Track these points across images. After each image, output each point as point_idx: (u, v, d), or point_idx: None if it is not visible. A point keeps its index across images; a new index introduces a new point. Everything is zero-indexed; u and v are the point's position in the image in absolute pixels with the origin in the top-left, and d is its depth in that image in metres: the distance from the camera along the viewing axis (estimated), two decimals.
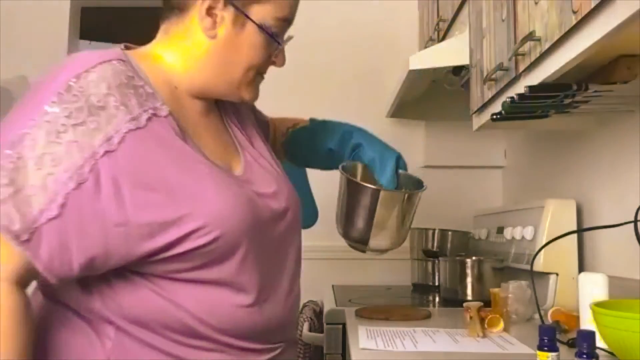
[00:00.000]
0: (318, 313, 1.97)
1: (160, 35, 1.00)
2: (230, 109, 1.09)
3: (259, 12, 0.95)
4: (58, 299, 0.90)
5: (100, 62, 0.85)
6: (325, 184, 2.40)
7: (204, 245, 0.86)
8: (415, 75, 1.89)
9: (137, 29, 3.60)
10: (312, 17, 2.71)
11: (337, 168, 1.22)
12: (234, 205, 0.89)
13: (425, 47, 2.28)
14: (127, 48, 0.98)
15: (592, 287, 1.12)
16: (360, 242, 1.18)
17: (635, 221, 1.07)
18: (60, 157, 0.79)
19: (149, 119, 0.86)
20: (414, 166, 2.65)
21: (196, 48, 0.96)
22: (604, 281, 1.13)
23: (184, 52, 0.97)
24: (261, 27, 0.95)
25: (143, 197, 0.83)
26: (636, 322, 0.87)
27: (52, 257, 0.79)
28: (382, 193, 1.15)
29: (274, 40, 0.97)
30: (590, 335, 0.84)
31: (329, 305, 1.70)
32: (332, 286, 2.09)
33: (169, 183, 0.85)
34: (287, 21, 0.99)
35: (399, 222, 1.16)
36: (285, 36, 1.02)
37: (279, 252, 1.01)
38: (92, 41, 3.27)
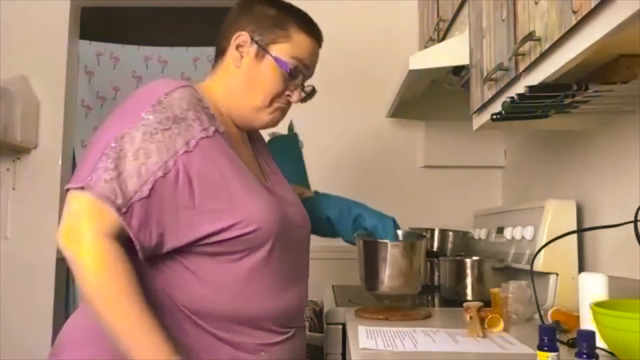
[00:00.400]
0: (318, 313, 1.97)
1: (210, 75, 1.27)
2: (260, 145, 1.35)
3: (277, 50, 1.20)
4: None
5: (180, 86, 1.11)
6: (325, 185, 2.41)
7: (243, 235, 1.08)
8: (415, 75, 1.89)
9: (137, 29, 3.61)
10: (312, 18, 2.71)
11: (332, 236, 1.50)
12: (268, 209, 1.13)
13: (425, 47, 2.28)
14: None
15: (592, 287, 1.12)
16: (380, 289, 1.44)
17: (635, 221, 1.07)
18: (151, 152, 1.03)
19: (214, 132, 1.11)
20: (414, 166, 2.66)
21: (229, 78, 1.22)
22: (604, 281, 1.13)
23: (223, 84, 1.23)
24: (276, 60, 1.19)
25: (208, 189, 1.07)
26: (636, 322, 0.87)
27: (139, 227, 1.02)
28: (390, 244, 1.43)
29: (285, 70, 1.19)
30: (590, 335, 0.84)
31: (329, 305, 1.70)
32: (332, 286, 2.09)
33: (227, 183, 1.09)
34: (301, 62, 1.22)
35: (408, 267, 1.43)
36: (307, 84, 1.26)
37: (296, 253, 1.23)
38: (92, 41, 3.27)
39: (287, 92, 1.23)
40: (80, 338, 1.11)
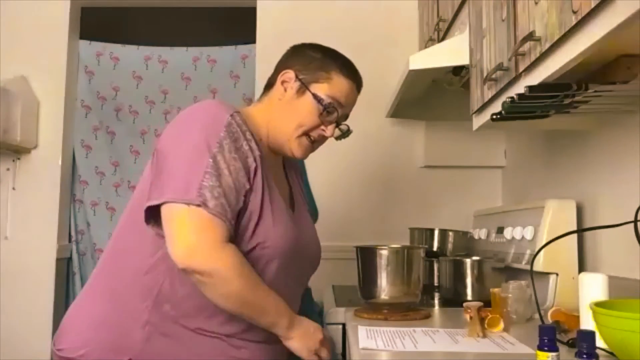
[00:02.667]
0: (318, 313, 1.97)
1: (256, 103, 1.42)
2: (293, 173, 1.48)
3: (317, 88, 1.33)
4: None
5: (235, 111, 1.25)
6: (325, 185, 2.40)
7: (259, 247, 1.23)
8: (415, 75, 1.89)
9: (137, 29, 3.60)
10: (312, 18, 2.72)
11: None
12: (287, 235, 1.26)
13: (425, 47, 2.28)
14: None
15: (592, 287, 1.12)
16: (377, 297, 1.47)
17: (635, 221, 1.07)
18: (238, 168, 1.19)
19: (258, 156, 1.24)
20: (414, 166, 2.66)
21: (271, 108, 1.35)
22: (604, 281, 1.12)
23: (265, 113, 1.35)
24: (314, 95, 1.31)
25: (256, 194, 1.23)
26: (636, 322, 0.87)
27: (239, 232, 1.21)
28: (388, 252, 1.48)
29: (320, 105, 1.31)
30: (590, 335, 0.84)
31: (329, 305, 1.70)
32: (332, 286, 2.09)
33: (265, 202, 1.24)
34: (337, 101, 1.33)
35: (405, 275, 1.47)
36: (343, 124, 1.39)
37: (299, 276, 1.36)
38: (92, 41, 3.26)
39: (322, 127, 1.34)
40: (80, 325, 1.25)
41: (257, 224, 1.21)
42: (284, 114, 1.34)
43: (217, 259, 1.14)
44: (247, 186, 1.20)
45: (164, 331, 1.20)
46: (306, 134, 1.33)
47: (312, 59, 1.35)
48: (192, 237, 1.14)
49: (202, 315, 1.21)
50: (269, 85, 1.39)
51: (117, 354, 1.19)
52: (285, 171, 1.46)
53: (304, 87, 1.32)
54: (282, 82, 1.35)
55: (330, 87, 1.33)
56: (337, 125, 1.37)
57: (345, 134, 1.41)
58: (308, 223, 1.44)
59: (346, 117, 1.39)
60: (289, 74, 1.34)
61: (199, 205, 1.13)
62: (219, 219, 1.14)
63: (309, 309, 1.45)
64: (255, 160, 1.22)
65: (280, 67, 1.37)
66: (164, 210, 1.16)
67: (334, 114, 1.34)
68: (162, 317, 1.20)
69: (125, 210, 1.32)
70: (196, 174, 1.14)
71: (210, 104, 1.29)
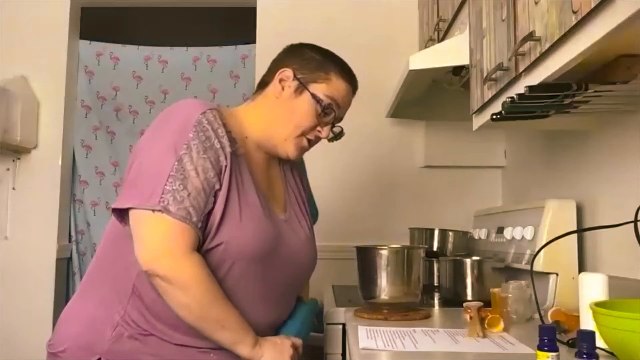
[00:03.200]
0: (318, 313, 1.96)
1: (250, 101, 1.38)
2: (290, 173, 1.46)
3: (315, 88, 1.31)
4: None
5: (208, 109, 1.21)
6: (325, 185, 2.40)
7: (223, 247, 1.19)
8: (415, 75, 1.89)
9: (137, 29, 3.60)
10: (312, 18, 2.71)
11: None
12: (258, 236, 1.22)
13: (425, 47, 2.28)
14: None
15: (592, 287, 1.12)
16: (377, 297, 1.47)
17: (635, 221, 1.07)
18: (207, 168, 1.16)
19: (230, 154, 1.21)
20: (414, 166, 2.66)
21: (267, 107, 1.33)
22: (604, 281, 1.12)
23: (259, 111, 1.34)
24: (313, 96, 1.30)
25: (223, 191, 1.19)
26: (636, 322, 0.87)
27: (206, 235, 1.18)
28: (387, 251, 1.48)
29: (319, 106, 1.29)
30: (590, 335, 0.84)
31: (329, 305, 1.70)
32: (332, 286, 2.09)
33: (231, 201, 1.20)
34: (335, 102, 1.32)
35: (405, 275, 1.47)
36: (337, 126, 1.37)
37: (279, 283, 1.30)
38: (92, 41, 3.26)
39: (318, 128, 1.33)
40: (67, 322, 1.28)
41: (220, 223, 1.18)
42: (282, 114, 1.32)
43: (179, 266, 1.13)
44: (217, 186, 1.17)
45: (131, 333, 1.20)
46: (303, 134, 1.32)
47: (310, 58, 1.34)
48: (157, 243, 1.14)
49: (169, 321, 1.19)
50: (264, 83, 1.37)
51: (90, 353, 1.21)
52: (283, 172, 1.44)
53: (302, 87, 1.31)
54: (280, 81, 1.32)
55: (329, 87, 1.32)
56: (332, 126, 1.36)
57: (338, 135, 1.40)
58: (301, 227, 1.39)
59: (340, 119, 1.38)
60: (287, 73, 1.32)
61: (161, 211, 1.12)
62: (184, 224, 1.13)
63: (292, 326, 1.36)
64: (225, 157, 1.19)
65: (277, 65, 1.35)
66: (131, 215, 1.16)
67: (331, 115, 1.33)
68: (132, 320, 1.20)
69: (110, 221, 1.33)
70: (161, 178, 1.13)
71: (185, 104, 1.25)
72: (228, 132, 1.22)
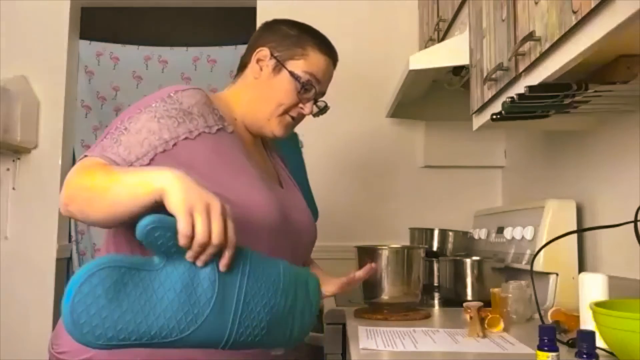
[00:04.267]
0: (318, 313, 1.96)
1: (229, 86, 1.35)
2: (275, 154, 1.44)
3: (293, 65, 1.28)
4: None
5: (191, 88, 1.18)
6: (325, 185, 2.40)
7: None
8: (415, 75, 1.89)
9: (137, 29, 3.61)
10: (312, 18, 2.71)
11: None
12: (265, 198, 1.16)
13: (425, 47, 2.28)
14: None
15: (592, 287, 1.12)
16: (379, 297, 1.47)
17: (635, 221, 1.07)
18: (154, 130, 1.09)
19: (218, 130, 1.17)
20: (414, 166, 2.66)
21: (247, 88, 1.31)
22: (604, 281, 1.12)
23: (241, 93, 1.31)
24: (291, 73, 1.27)
25: (207, 176, 1.07)
26: (636, 322, 0.87)
27: None
28: (387, 251, 1.48)
29: (298, 83, 1.27)
30: (590, 335, 0.84)
31: (329, 305, 1.70)
32: None
33: (219, 173, 1.13)
34: (314, 77, 1.29)
35: (405, 275, 1.48)
36: (320, 101, 1.34)
37: (291, 253, 1.22)
38: (92, 41, 3.27)
39: (300, 105, 1.30)
40: None
41: (224, 189, 1.07)
42: (262, 94, 1.30)
43: (68, 182, 1.00)
44: (160, 149, 1.07)
45: None
46: (286, 112, 1.30)
47: (286, 35, 1.31)
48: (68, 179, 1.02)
49: None
50: (243, 65, 1.34)
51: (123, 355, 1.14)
52: (267, 153, 1.42)
53: (279, 65, 1.28)
54: (257, 61, 1.30)
55: (307, 63, 1.29)
56: (315, 101, 1.33)
57: (323, 110, 1.37)
58: (298, 199, 1.38)
59: (323, 93, 1.35)
60: (264, 52, 1.29)
61: (83, 158, 1.04)
62: (101, 159, 1.03)
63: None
64: (213, 132, 1.14)
65: (253, 45, 1.32)
66: None
67: (312, 91, 1.30)
68: None
69: None
70: (100, 139, 1.09)
71: (175, 86, 1.20)
72: (214, 110, 1.19)
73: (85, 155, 1.06)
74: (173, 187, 0.87)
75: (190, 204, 0.86)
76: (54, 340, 1.24)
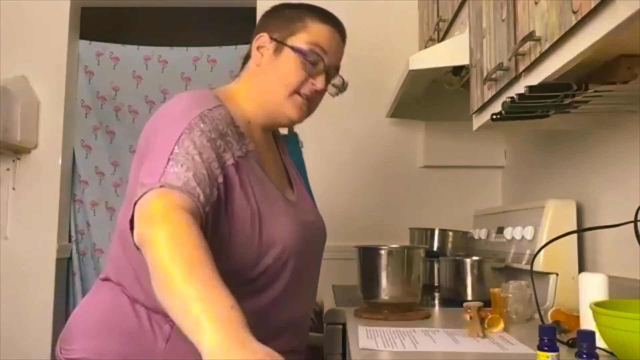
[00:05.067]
0: (318, 313, 1.97)
1: (237, 80, 1.28)
2: (283, 149, 1.38)
3: (294, 40, 1.20)
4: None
5: (219, 105, 1.12)
6: (325, 185, 2.39)
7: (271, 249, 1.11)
8: (415, 75, 1.89)
9: (137, 29, 3.60)
10: None
11: None
12: (291, 230, 1.14)
13: (425, 47, 2.28)
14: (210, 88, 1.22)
15: (592, 287, 1.12)
16: (378, 297, 1.46)
17: (635, 221, 1.07)
18: (212, 158, 1.03)
19: (246, 152, 1.12)
20: (414, 166, 2.66)
21: (252, 78, 1.24)
22: (604, 281, 1.12)
23: (247, 86, 1.24)
24: (292, 48, 1.19)
25: (241, 205, 1.08)
26: (636, 322, 0.87)
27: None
28: (387, 252, 1.47)
29: (302, 55, 1.19)
30: (590, 335, 0.84)
31: (329, 305, 1.70)
32: (332, 286, 2.09)
33: (258, 204, 1.10)
34: (319, 47, 1.21)
35: (404, 276, 1.47)
36: (338, 77, 1.28)
37: (308, 270, 1.25)
38: (92, 41, 3.26)
39: (311, 81, 1.22)
40: (90, 330, 1.13)
41: (260, 227, 1.08)
42: (267, 79, 1.22)
43: (157, 221, 0.88)
44: (220, 179, 1.03)
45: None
46: (297, 92, 1.21)
47: (282, 15, 1.24)
48: (146, 206, 0.92)
49: None
50: (246, 58, 1.28)
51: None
52: (278, 149, 1.36)
53: (280, 45, 1.20)
54: (258, 48, 1.23)
55: (308, 35, 1.21)
56: (328, 77, 1.24)
57: (342, 87, 1.29)
58: (308, 203, 1.34)
59: (337, 69, 1.28)
60: (263, 38, 1.23)
61: (162, 186, 0.94)
62: (185, 194, 0.93)
63: None
64: (243, 154, 1.10)
65: (254, 36, 1.26)
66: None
67: (320, 63, 1.21)
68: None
69: (118, 217, 1.18)
70: (163, 163, 0.98)
71: (191, 93, 1.16)
72: (237, 127, 1.13)
73: (165, 185, 0.94)
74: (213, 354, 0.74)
75: None
76: (64, 345, 1.16)
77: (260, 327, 0.92)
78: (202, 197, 0.96)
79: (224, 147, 1.07)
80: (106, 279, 1.19)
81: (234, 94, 1.23)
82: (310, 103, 1.24)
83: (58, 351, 1.17)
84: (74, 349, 1.14)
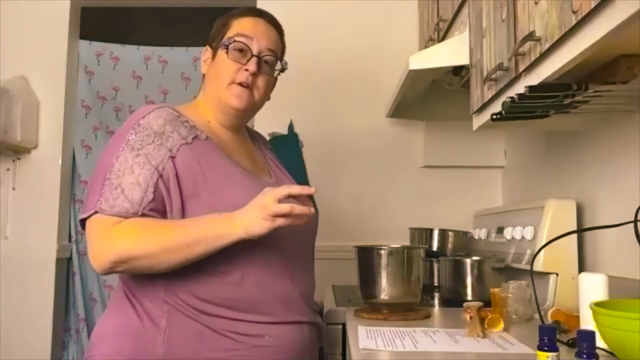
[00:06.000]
0: (318, 313, 1.96)
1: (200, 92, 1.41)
2: (264, 146, 1.51)
3: (222, 40, 1.33)
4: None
5: (156, 108, 1.26)
6: (325, 185, 2.40)
7: None
8: (415, 75, 1.89)
9: (137, 29, 3.61)
10: (311, 18, 2.71)
11: None
12: (249, 197, 1.16)
13: (425, 47, 2.28)
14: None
15: (592, 287, 1.12)
16: (378, 297, 1.47)
17: (635, 221, 1.07)
18: (143, 163, 1.18)
19: (193, 139, 1.24)
20: (414, 166, 2.66)
21: (204, 86, 1.38)
22: (604, 281, 1.12)
23: (203, 94, 1.38)
24: (221, 45, 1.32)
25: (191, 185, 1.20)
26: (636, 322, 0.87)
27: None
28: (387, 251, 1.48)
29: (226, 45, 1.30)
30: (590, 335, 0.84)
31: (329, 305, 1.70)
32: (332, 286, 2.09)
33: (207, 181, 1.21)
34: (241, 34, 1.31)
35: (405, 275, 1.47)
36: (269, 56, 1.33)
37: (295, 243, 1.30)
38: (92, 41, 3.27)
39: (244, 67, 1.31)
40: (107, 334, 1.24)
41: (210, 194, 1.20)
42: (210, 80, 1.35)
43: (113, 246, 1.14)
44: (155, 177, 1.17)
45: (183, 333, 1.17)
46: (233, 82, 1.31)
47: (216, 25, 1.38)
48: (96, 247, 1.16)
49: (214, 301, 1.18)
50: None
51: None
52: (259, 148, 1.47)
53: (214, 49, 1.35)
54: (204, 61, 1.38)
55: (232, 30, 1.34)
56: (261, 61, 1.32)
57: (282, 69, 1.38)
58: None
59: (270, 51, 1.34)
60: (205, 51, 1.38)
61: (96, 212, 1.15)
62: (120, 219, 1.15)
63: None
64: (178, 148, 1.21)
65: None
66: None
67: (246, 50, 1.31)
68: (179, 321, 1.18)
69: None
70: (100, 185, 1.17)
71: (136, 111, 1.29)
72: (184, 122, 1.26)
73: (99, 211, 1.15)
74: (249, 229, 1.12)
75: (266, 224, 1.11)
76: (86, 353, 1.27)
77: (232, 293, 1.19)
78: (131, 210, 1.15)
79: (158, 145, 1.20)
80: (117, 287, 1.31)
81: (196, 105, 1.37)
82: (251, 89, 1.32)
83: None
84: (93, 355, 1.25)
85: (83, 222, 1.20)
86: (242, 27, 1.33)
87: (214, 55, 1.35)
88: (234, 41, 1.30)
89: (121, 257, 1.13)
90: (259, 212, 1.11)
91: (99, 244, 1.16)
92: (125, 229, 1.14)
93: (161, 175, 1.18)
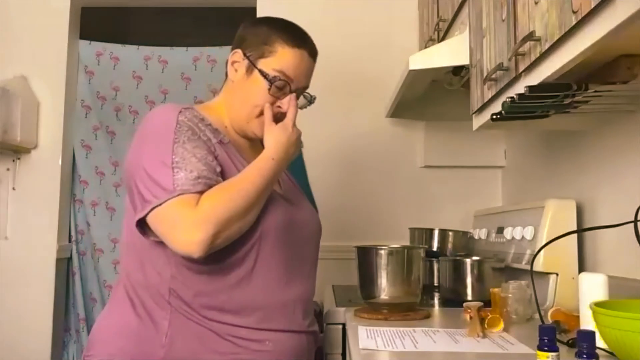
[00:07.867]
0: (318, 313, 1.97)
1: (219, 92, 1.39)
2: None
3: (263, 63, 1.29)
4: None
5: (184, 108, 1.24)
6: (325, 185, 2.40)
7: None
8: (415, 75, 1.89)
9: (137, 29, 3.60)
10: (311, 18, 2.71)
11: None
12: (271, 209, 1.23)
13: (425, 47, 2.28)
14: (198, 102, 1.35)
15: (592, 287, 1.12)
16: (378, 297, 1.47)
17: (635, 221, 1.07)
18: (201, 149, 1.19)
19: (218, 142, 1.25)
20: (414, 166, 2.66)
21: (228, 93, 1.35)
22: (604, 281, 1.12)
23: (225, 98, 1.36)
24: (261, 72, 1.28)
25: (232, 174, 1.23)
26: (636, 322, 0.87)
27: None
28: (387, 252, 1.48)
29: (267, 81, 1.27)
30: (590, 335, 0.84)
31: (329, 305, 1.70)
32: (332, 286, 2.09)
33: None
34: (284, 73, 1.28)
35: (405, 275, 1.48)
36: (306, 94, 1.37)
37: (301, 251, 1.32)
38: (92, 41, 3.27)
39: (277, 103, 1.30)
40: (107, 334, 1.25)
41: None
42: (239, 97, 1.32)
43: (209, 215, 1.11)
44: (218, 168, 1.20)
45: (184, 335, 1.18)
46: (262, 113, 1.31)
47: (256, 34, 1.32)
48: (181, 226, 1.11)
49: (216, 306, 1.19)
50: (225, 74, 1.38)
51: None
52: None
53: (251, 65, 1.30)
54: (233, 63, 1.33)
55: (277, 60, 1.29)
56: (296, 96, 1.32)
57: (310, 101, 1.38)
58: (298, 198, 1.42)
59: (305, 88, 1.35)
60: (238, 54, 1.32)
61: (181, 194, 1.11)
62: (197, 195, 1.13)
63: None
64: (214, 148, 1.22)
65: (232, 49, 1.35)
66: (151, 219, 1.14)
67: (286, 88, 1.30)
68: (180, 322, 1.19)
69: (121, 235, 1.32)
70: (167, 175, 1.13)
71: (160, 110, 1.27)
72: (208, 125, 1.25)
73: (183, 192, 1.12)
74: (277, 154, 1.25)
75: (291, 144, 1.28)
76: (86, 352, 1.28)
77: (234, 302, 1.20)
78: (211, 176, 1.15)
79: (205, 139, 1.22)
80: (118, 286, 1.31)
81: (214, 105, 1.36)
82: (277, 121, 1.31)
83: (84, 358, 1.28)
84: (92, 354, 1.26)
85: (140, 221, 1.15)
86: (286, 62, 1.29)
87: (248, 70, 1.30)
88: (279, 80, 1.28)
89: (220, 221, 1.11)
90: (278, 138, 1.25)
91: (190, 222, 1.10)
92: (211, 197, 1.12)
93: (216, 157, 1.21)
